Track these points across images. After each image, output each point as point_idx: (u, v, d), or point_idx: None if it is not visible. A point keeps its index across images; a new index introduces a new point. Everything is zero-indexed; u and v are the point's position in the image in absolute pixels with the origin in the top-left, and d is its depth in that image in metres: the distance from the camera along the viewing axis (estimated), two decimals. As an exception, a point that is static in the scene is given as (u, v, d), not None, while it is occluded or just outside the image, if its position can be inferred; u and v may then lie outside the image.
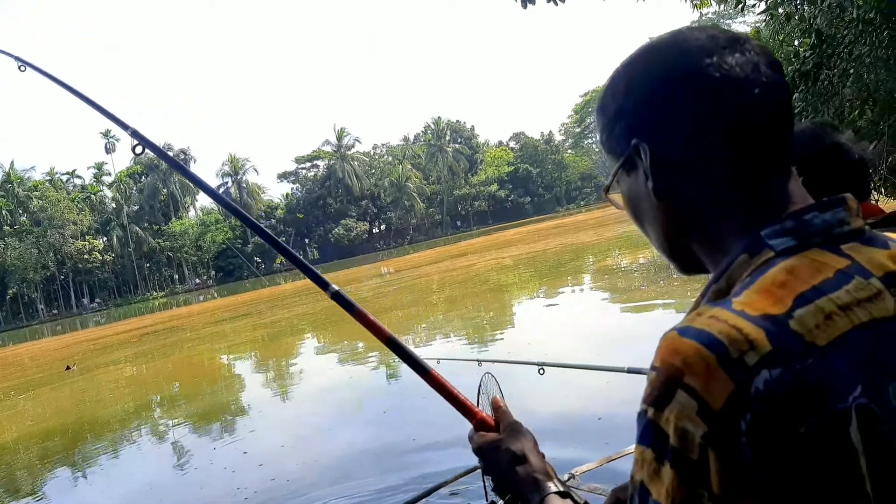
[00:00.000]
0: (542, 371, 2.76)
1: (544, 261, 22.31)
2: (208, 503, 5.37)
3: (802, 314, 0.56)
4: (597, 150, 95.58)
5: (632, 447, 2.92)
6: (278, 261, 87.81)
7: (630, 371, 2.52)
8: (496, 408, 1.08)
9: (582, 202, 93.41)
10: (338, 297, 1.20)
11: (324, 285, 1.23)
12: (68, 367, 18.29)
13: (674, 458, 0.55)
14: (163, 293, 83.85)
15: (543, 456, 0.99)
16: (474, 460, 1.06)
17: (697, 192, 0.69)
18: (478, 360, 3.53)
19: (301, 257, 1.34)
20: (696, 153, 0.67)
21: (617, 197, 0.82)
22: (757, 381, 0.54)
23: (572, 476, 2.80)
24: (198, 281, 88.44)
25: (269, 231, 1.43)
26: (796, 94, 10.64)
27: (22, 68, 1.85)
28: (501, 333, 10.06)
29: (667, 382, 0.56)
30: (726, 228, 0.68)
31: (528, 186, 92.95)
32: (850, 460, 0.53)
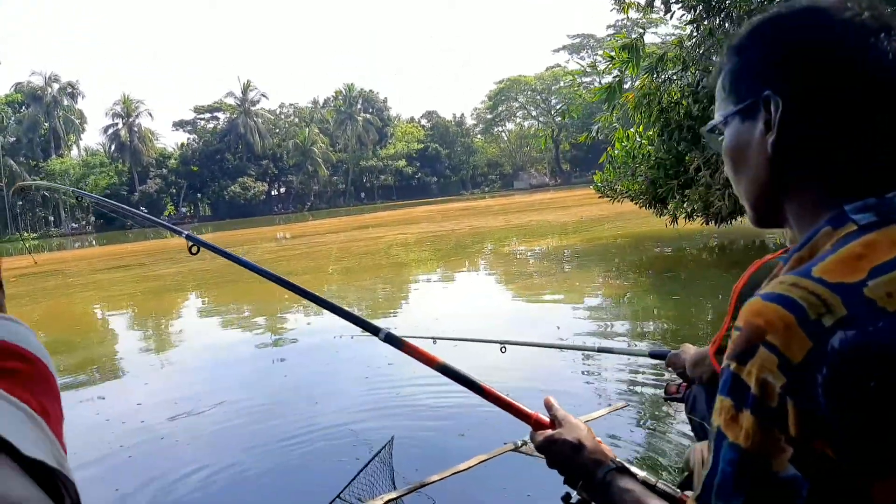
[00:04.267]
0: (503, 349, 2.71)
1: (461, 241, 22.40)
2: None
3: (876, 283, 0.63)
4: (506, 138, 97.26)
5: (585, 416, 2.96)
6: (167, 213, 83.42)
7: (601, 350, 2.51)
8: (549, 406, 1.17)
9: (487, 188, 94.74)
10: (390, 339, 1.36)
11: (374, 331, 1.39)
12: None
13: (754, 404, 0.63)
14: (35, 235, 77.58)
15: (598, 440, 1.08)
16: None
17: (810, 157, 0.73)
18: (432, 338, 3.40)
19: (345, 308, 1.52)
20: (824, 122, 0.71)
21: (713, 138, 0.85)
22: (833, 341, 0.61)
23: (525, 443, 2.80)
24: (75, 225, 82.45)
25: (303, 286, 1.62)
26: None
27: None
28: (432, 314, 9.91)
29: (749, 340, 0.64)
30: (820, 197, 0.73)
31: (435, 166, 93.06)
32: None
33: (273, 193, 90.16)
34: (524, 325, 7.53)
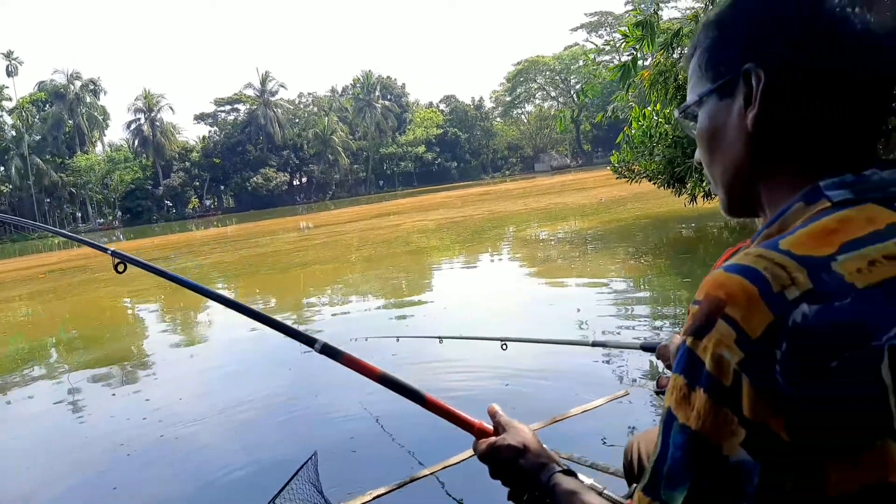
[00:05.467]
0: (504, 347, 2.69)
1: (478, 227, 22.34)
2: (87, 458, 4.95)
3: (846, 258, 0.60)
4: (525, 120, 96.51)
5: (575, 409, 2.85)
6: (191, 206, 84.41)
7: (595, 344, 2.47)
8: (492, 414, 1.10)
9: (507, 171, 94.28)
10: (326, 350, 1.27)
11: (310, 342, 1.31)
12: (-47, 303, 16.97)
13: (707, 382, 0.60)
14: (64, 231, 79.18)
15: (541, 444, 1.01)
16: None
17: (790, 134, 0.70)
18: (439, 338, 3.37)
19: (277, 319, 1.43)
20: (806, 96, 0.70)
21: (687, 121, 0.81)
22: (795, 315, 0.57)
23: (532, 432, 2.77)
24: (102, 221, 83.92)
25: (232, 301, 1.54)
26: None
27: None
28: (442, 305, 9.82)
29: (708, 313, 0.61)
30: (798, 175, 0.70)
31: (455, 151, 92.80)
32: (880, 396, 0.56)
33: (295, 184, 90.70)
34: (535, 313, 7.47)
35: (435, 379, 5.32)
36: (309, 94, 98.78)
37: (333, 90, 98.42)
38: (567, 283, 9.16)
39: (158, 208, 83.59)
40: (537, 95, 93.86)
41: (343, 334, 7.55)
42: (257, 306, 11.69)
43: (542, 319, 6.92)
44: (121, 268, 1.64)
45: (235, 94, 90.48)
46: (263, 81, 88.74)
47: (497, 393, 4.81)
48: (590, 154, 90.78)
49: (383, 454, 4.05)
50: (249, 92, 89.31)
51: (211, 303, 12.33)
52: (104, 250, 1.75)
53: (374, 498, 2.64)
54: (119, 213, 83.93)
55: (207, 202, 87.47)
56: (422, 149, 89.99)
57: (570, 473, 0.96)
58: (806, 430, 0.56)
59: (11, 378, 8.42)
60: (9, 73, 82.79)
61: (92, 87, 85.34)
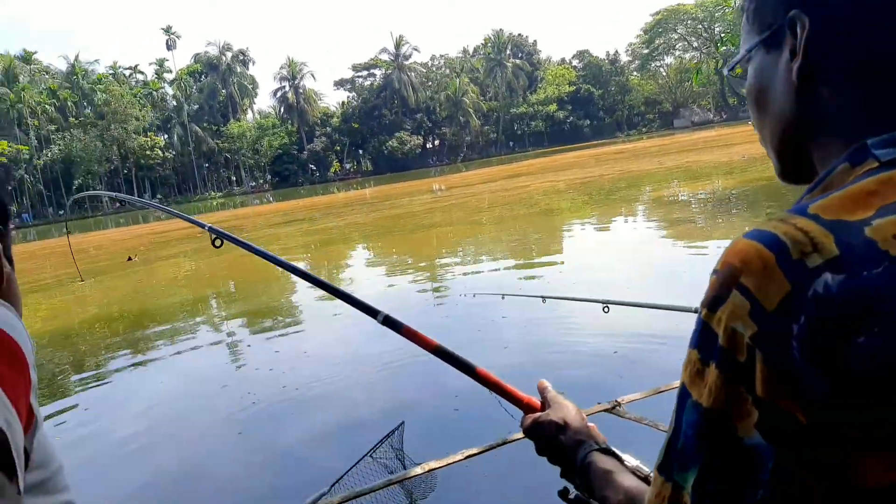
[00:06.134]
0: (606, 309, 2.70)
1: (608, 187, 21.84)
2: (219, 404, 5.58)
3: (882, 222, 0.53)
4: (664, 74, 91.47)
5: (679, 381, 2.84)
6: (332, 170, 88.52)
7: (698, 311, 2.43)
8: (541, 389, 1.09)
9: (644, 129, 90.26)
10: (388, 322, 1.29)
11: (373, 313, 1.34)
12: (130, 258, 19.16)
13: (720, 358, 0.54)
14: (220, 194, 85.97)
15: (586, 421, 1.00)
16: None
17: (839, 86, 0.63)
18: (542, 297, 3.45)
19: (344, 291, 1.49)
20: (856, 44, 0.62)
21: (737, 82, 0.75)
22: (816, 284, 0.51)
23: (618, 404, 2.77)
24: (253, 184, 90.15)
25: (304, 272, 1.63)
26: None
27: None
28: (562, 265, 9.85)
29: (724, 283, 0.55)
30: (847, 133, 0.63)
31: (588, 108, 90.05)
32: None
33: (428, 146, 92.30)
34: (655, 277, 7.33)
35: (540, 340, 5.49)
36: (441, 55, 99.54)
37: (465, 51, 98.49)
38: (700, 245, 8.85)
39: (303, 172, 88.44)
40: (677, 47, 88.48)
41: (456, 289, 7.86)
42: (389, 262, 12.29)
43: (664, 283, 6.80)
44: (217, 242, 1.76)
45: (371, 59, 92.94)
46: (398, 45, 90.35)
47: (601, 358, 4.88)
48: (735, 108, 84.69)
49: (483, 415, 4.28)
50: (384, 57, 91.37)
51: (352, 263, 13.12)
52: (202, 226, 1.82)
53: (466, 457, 2.65)
54: (269, 177, 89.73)
55: (347, 165, 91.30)
56: (553, 107, 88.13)
57: (610, 453, 0.93)
58: (827, 414, 0.51)
59: (171, 326, 9.52)
60: (168, 47, 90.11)
61: (241, 58, 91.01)
